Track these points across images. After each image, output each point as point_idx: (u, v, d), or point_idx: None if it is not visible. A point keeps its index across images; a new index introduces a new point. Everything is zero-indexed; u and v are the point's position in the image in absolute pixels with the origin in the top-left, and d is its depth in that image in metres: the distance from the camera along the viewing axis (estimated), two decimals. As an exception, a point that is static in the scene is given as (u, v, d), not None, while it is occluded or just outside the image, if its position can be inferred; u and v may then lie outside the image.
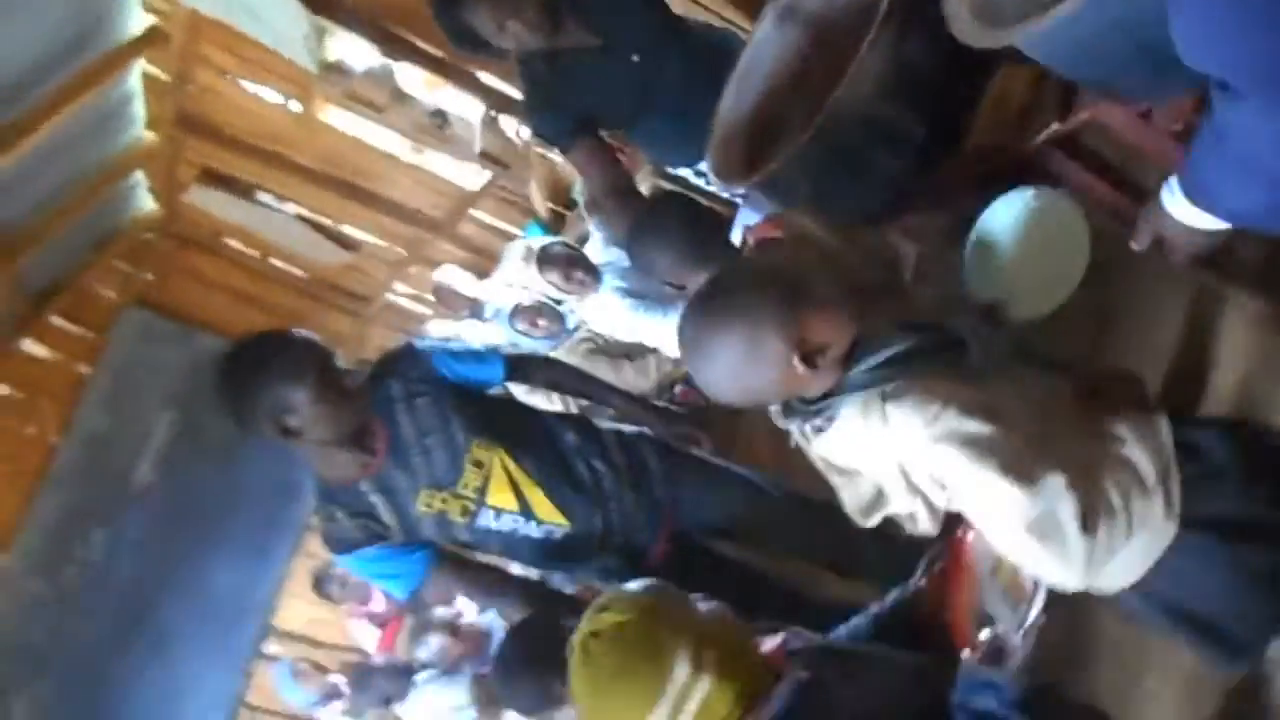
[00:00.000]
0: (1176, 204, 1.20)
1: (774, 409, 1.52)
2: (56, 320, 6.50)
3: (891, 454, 1.37)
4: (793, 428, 1.51)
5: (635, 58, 2.52)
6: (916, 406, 1.32)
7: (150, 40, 4.35)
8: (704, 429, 2.55)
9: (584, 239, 3.75)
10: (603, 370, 3.49)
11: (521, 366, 2.42)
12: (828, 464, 1.52)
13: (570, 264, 3.17)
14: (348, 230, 6.22)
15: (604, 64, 2.51)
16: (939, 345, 1.41)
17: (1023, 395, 1.37)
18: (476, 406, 2.19)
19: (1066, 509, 1.22)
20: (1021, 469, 1.24)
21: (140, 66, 4.63)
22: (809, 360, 1.35)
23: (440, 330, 3.97)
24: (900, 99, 2.05)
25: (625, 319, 3.21)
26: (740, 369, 1.37)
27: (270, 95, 4.91)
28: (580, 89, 2.52)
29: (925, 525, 1.42)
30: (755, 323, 1.35)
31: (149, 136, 5.38)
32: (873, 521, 1.51)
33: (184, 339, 6.98)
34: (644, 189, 3.13)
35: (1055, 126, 1.88)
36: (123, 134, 5.27)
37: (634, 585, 1.44)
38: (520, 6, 2.32)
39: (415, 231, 5.76)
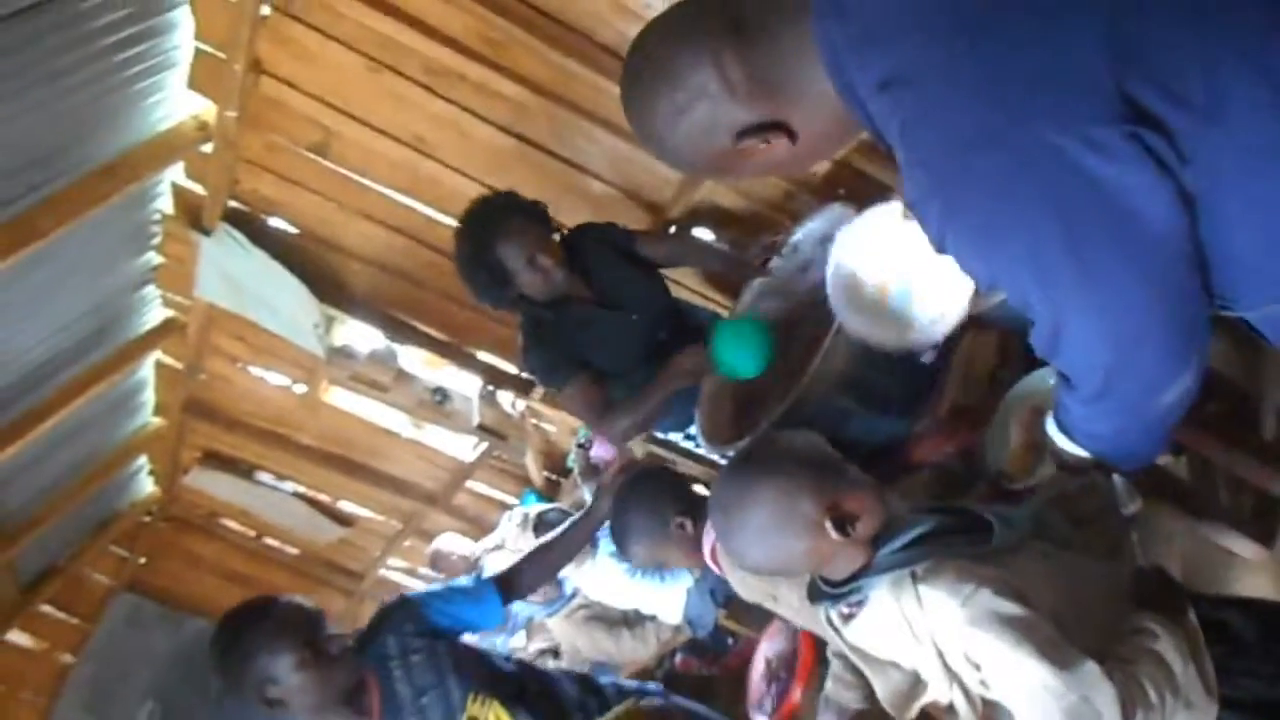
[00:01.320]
0: (1054, 433, 1.35)
1: (802, 595, 1.54)
2: (45, 608, 6.39)
3: (926, 635, 1.37)
4: (820, 613, 1.52)
5: (635, 317, 2.70)
6: (950, 588, 1.34)
7: (166, 332, 4.62)
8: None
9: (579, 505, 3.80)
10: (601, 638, 3.43)
11: (512, 579, 2.35)
12: (860, 653, 1.51)
13: (567, 530, 3.20)
14: (344, 506, 6.27)
15: (606, 319, 2.66)
16: (964, 525, 1.45)
17: (1050, 578, 1.39)
18: (475, 659, 2.17)
19: (1104, 697, 1.21)
20: (1057, 653, 1.24)
21: (155, 356, 4.87)
22: (841, 527, 1.38)
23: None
24: (875, 363, 2.19)
25: (622, 585, 3.19)
26: (772, 532, 1.40)
27: (276, 378, 5.12)
28: (581, 335, 2.64)
29: (964, 715, 1.40)
30: (791, 486, 1.39)
31: (156, 422, 5.55)
32: (910, 715, 1.48)
33: (172, 623, 6.84)
34: (637, 453, 3.23)
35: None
36: (131, 421, 5.44)
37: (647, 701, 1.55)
38: (547, 243, 2.54)
39: (412, 504, 5.81)
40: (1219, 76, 0.92)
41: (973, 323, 2.08)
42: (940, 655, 1.38)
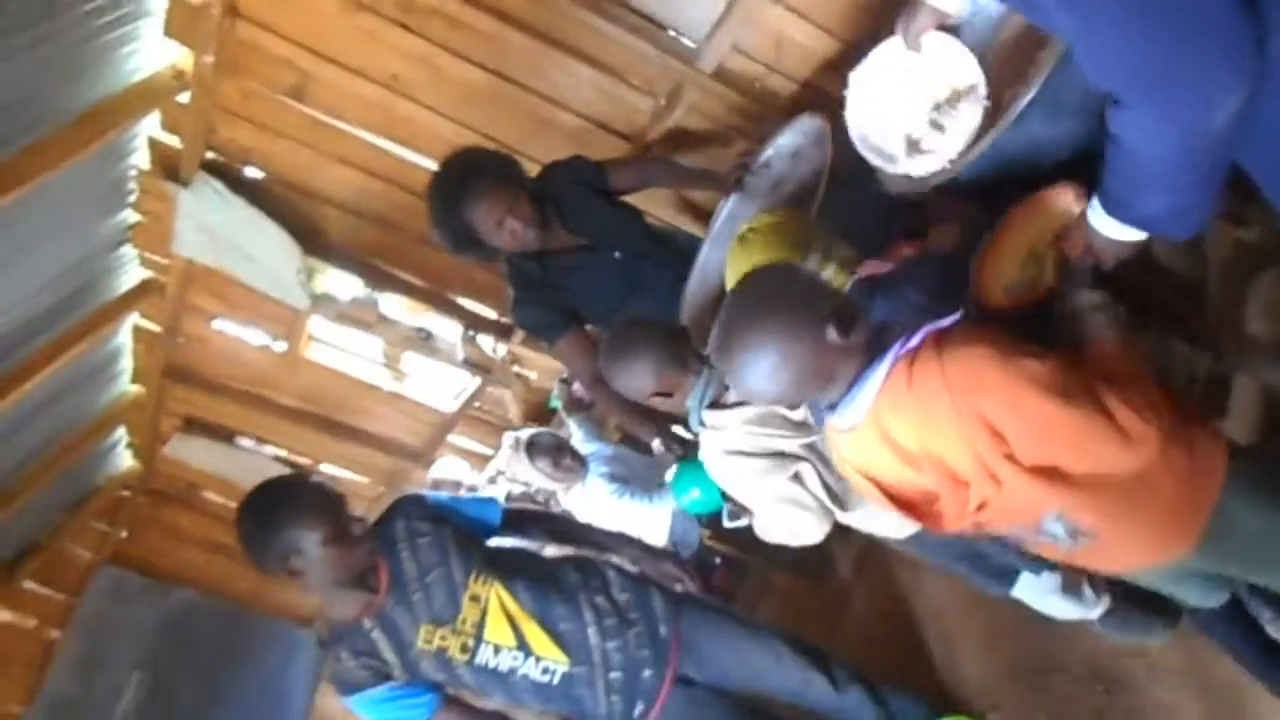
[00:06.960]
0: (1099, 219, 1.40)
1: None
2: (29, 584, 6.38)
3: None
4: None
5: (617, 255, 2.80)
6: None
7: (144, 293, 4.61)
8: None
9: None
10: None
11: (517, 520, 2.54)
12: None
13: (559, 451, 3.31)
14: (326, 469, 6.30)
15: (589, 261, 2.77)
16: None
17: None
18: (476, 545, 2.31)
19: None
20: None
21: (133, 320, 4.87)
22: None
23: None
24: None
25: (610, 505, 3.30)
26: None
27: (256, 338, 5.13)
28: (566, 285, 2.77)
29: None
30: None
31: (134, 390, 5.55)
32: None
33: (156, 594, 6.87)
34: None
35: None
36: (110, 388, 5.42)
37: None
38: (515, 204, 2.62)
39: (394, 462, 5.86)
40: None
41: (934, 217, 2.19)
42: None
